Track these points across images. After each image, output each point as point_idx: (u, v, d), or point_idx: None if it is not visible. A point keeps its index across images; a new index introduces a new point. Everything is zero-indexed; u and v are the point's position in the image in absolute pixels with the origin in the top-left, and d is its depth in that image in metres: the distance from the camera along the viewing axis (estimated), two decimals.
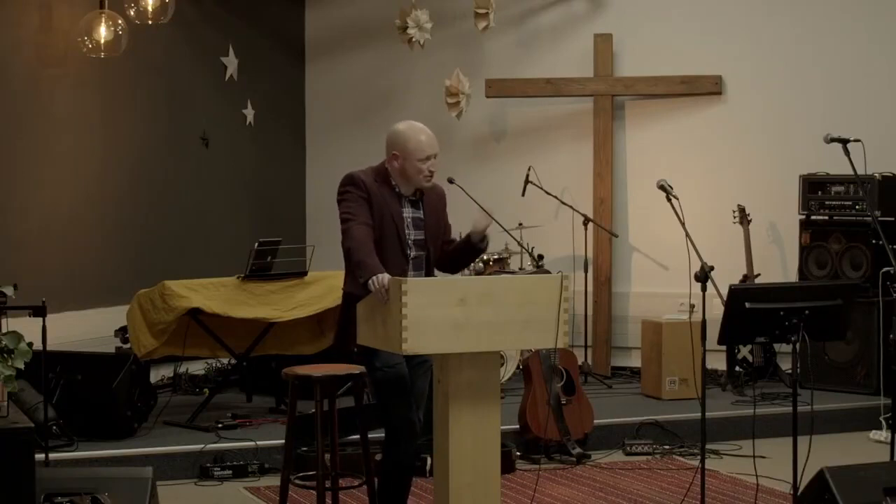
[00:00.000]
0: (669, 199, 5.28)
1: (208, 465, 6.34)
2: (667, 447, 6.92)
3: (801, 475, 5.01)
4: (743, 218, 8.35)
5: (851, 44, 8.60)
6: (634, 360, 8.71)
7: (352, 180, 4.85)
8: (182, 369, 8.15)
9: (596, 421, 6.95)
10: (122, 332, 7.43)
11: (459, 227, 5.34)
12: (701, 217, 7.97)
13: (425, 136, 4.83)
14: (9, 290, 5.08)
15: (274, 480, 5.99)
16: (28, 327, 5.05)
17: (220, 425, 6.87)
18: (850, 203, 8.06)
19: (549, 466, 6.55)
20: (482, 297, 4.37)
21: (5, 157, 7.25)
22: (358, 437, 5.34)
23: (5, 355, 4.50)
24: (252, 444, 6.52)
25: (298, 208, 10.00)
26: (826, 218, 8.19)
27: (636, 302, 9.04)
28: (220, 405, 7.46)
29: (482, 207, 4.94)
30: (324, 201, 9.41)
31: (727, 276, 6.31)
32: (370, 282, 4.47)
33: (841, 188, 8.09)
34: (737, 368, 8.09)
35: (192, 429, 6.90)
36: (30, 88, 7.47)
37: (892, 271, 5.69)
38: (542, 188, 8.63)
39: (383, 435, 4.88)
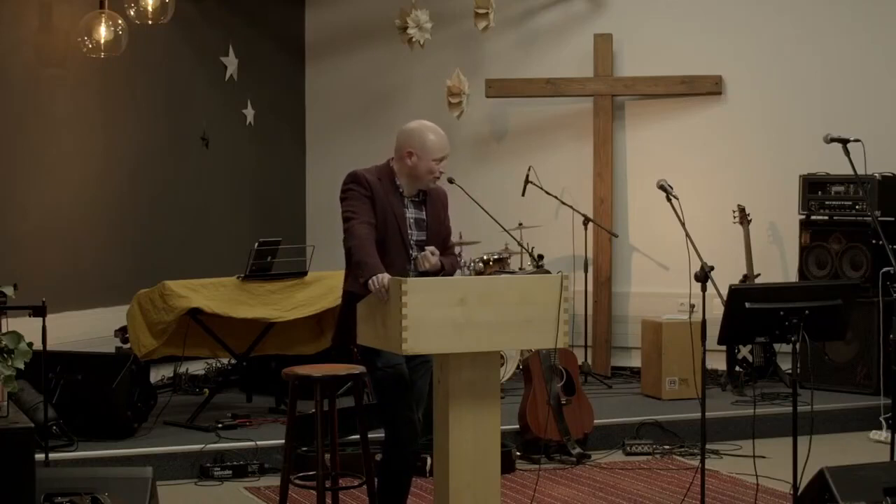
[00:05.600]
0: (669, 199, 5.27)
1: (208, 465, 6.33)
2: (667, 447, 6.92)
3: (801, 475, 5.01)
4: (743, 218, 8.35)
5: (851, 44, 8.60)
6: (634, 360, 8.70)
7: (355, 178, 4.84)
8: (182, 369, 8.15)
9: (596, 421, 6.95)
10: (122, 332, 7.42)
11: (459, 227, 5.34)
12: (701, 217, 7.98)
13: (442, 136, 4.85)
14: (9, 290, 5.07)
15: (274, 480, 5.99)
16: (28, 327, 5.04)
17: (220, 425, 6.87)
18: (850, 203, 8.06)
19: (549, 466, 6.54)
20: (482, 297, 4.37)
21: (5, 157, 7.25)
22: (358, 437, 5.34)
23: (5, 355, 4.50)
24: (252, 444, 6.52)
25: (298, 208, 10.00)
26: (826, 218, 8.19)
27: (636, 302, 9.04)
28: (220, 405, 7.45)
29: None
30: (324, 201, 9.43)
31: (727, 276, 6.31)
32: (370, 281, 4.47)
33: (841, 188, 8.08)
34: (737, 368, 8.08)
35: (192, 429, 6.90)
36: (30, 88, 7.47)
37: (892, 271, 5.68)
38: (542, 188, 8.63)
39: (383, 435, 4.88)
